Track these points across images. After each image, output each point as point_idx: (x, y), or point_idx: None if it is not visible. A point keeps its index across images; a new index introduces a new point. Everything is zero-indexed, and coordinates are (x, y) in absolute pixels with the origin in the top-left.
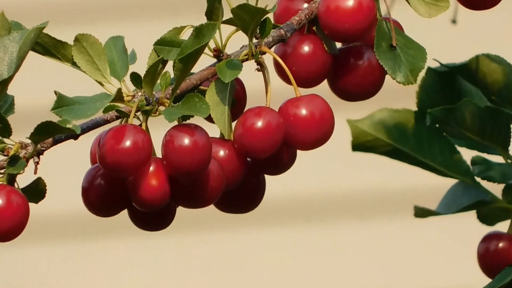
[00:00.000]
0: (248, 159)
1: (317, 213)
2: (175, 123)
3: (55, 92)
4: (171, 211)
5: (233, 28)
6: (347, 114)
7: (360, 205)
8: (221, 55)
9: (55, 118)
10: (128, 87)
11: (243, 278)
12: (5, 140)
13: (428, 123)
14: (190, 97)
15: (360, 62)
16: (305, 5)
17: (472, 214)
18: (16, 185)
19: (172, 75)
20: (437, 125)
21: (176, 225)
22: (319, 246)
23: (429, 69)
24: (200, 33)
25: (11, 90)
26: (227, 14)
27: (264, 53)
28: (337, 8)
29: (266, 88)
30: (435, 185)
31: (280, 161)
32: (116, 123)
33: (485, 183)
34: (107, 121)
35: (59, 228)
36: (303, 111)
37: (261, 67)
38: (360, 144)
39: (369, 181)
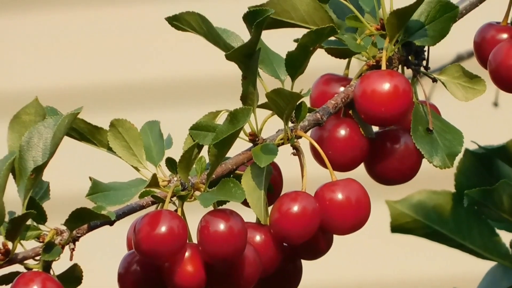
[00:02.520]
0: (284, 244)
1: None
2: (211, 208)
3: (90, 178)
4: None
5: (269, 112)
6: (384, 196)
7: None
8: (257, 139)
9: (90, 204)
10: (164, 172)
11: None
12: (41, 226)
13: (465, 205)
14: (226, 182)
15: (397, 146)
16: (341, 88)
17: None
18: (52, 272)
19: (207, 160)
20: (475, 207)
21: None
22: None
23: (467, 151)
24: (235, 117)
25: (46, 176)
26: (262, 98)
27: (300, 137)
28: (374, 92)
29: (302, 173)
30: (474, 268)
31: (317, 246)
32: (152, 208)
33: None
34: (142, 207)
35: None
36: (339, 196)
37: (297, 151)
38: (399, 226)
39: (406, 265)
